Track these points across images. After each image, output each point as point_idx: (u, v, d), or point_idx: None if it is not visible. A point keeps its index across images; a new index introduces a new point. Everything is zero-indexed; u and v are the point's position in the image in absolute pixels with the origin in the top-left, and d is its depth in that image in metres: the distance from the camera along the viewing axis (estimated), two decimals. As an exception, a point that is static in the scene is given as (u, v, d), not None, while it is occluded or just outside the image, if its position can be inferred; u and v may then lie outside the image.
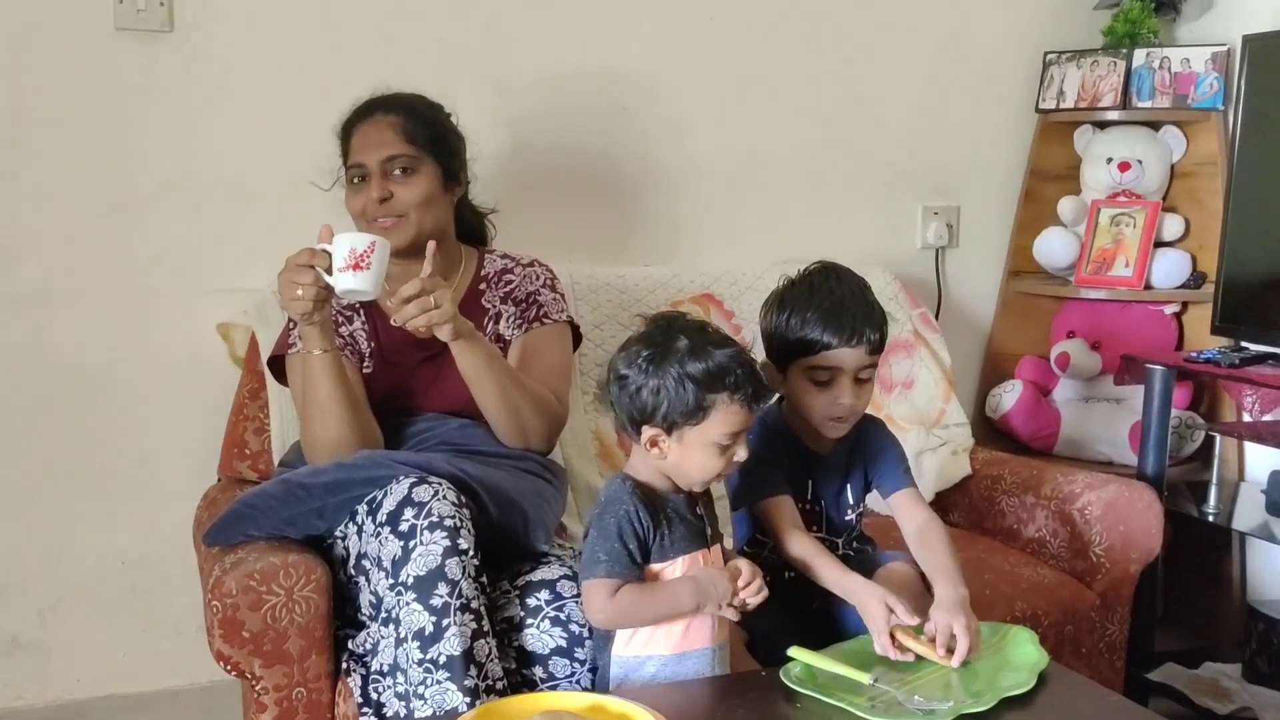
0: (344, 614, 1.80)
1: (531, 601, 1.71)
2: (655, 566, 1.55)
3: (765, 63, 2.73)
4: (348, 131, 2.03)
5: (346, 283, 1.72)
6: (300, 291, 1.73)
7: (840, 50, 2.78)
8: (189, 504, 2.18)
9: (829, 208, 2.82)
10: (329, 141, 2.38)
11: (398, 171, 1.97)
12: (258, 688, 1.72)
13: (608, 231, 2.62)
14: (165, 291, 2.34)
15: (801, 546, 1.71)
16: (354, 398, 1.87)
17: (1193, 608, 2.81)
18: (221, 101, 2.34)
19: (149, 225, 2.32)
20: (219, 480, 2.23)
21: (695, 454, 1.54)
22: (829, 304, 1.74)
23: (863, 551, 1.90)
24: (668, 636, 1.56)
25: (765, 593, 1.56)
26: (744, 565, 1.57)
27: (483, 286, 2.08)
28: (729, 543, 1.82)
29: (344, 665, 1.75)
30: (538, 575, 1.74)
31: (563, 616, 1.67)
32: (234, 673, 1.72)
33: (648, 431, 1.55)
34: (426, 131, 2.01)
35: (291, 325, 1.97)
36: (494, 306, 2.06)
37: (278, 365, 2.03)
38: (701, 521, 1.59)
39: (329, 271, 1.73)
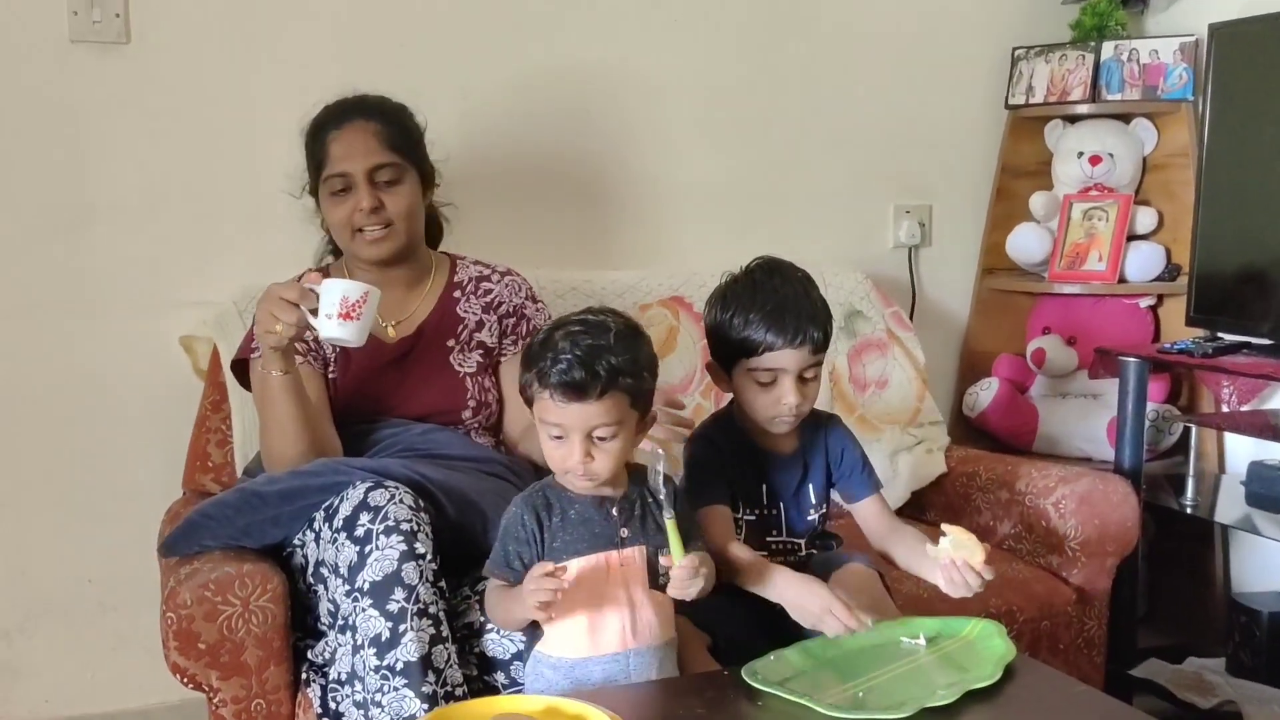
0: (304, 624, 1.78)
1: (492, 606, 1.69)
2: (569, 563, 1.52)
3: (733, 64, 2.72)
4: (321, 138, 1.97)
5: (333, 331, 1.71)
6: (280, 328, 1.71)
7: (808, 50, 2.77)
8: (154, 519, 2.14)
9: (800, 208, 2.80)
10: (290, 151, 2.35)
11: (384, 181, 1.94)
12: (215, 700, 1.70)
13: (575, 235, 2.60)
14: (126, 305, 2.32)
15: (725, 559, 1.66)
16: (311, 414, 1.85)
17: (1176, 603, 2.78)
18: (179, 113, 2.32)
19: (108, 238, 2.30)
20: (183, 494, 2.20)
21: (541, 436, 1.55)
22: (772, 304, 1.71)
23: (829, 547, 1.87)
24: (570, 640, 1.53)
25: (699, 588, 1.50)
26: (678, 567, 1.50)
27: (457, 294, 2.07)
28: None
29: (303, 676, 1.73)
30: (497, 584, 1.72)
31: (503, 623, 1.64)
32: (191, 685, 1.69)
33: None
34: (405, 138, 1.99)
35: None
36: (472, 315, 2.05)
37: (240, 368, 2.01)
38: (610, 523, 1.54)
39: (314, 313, 1.71)
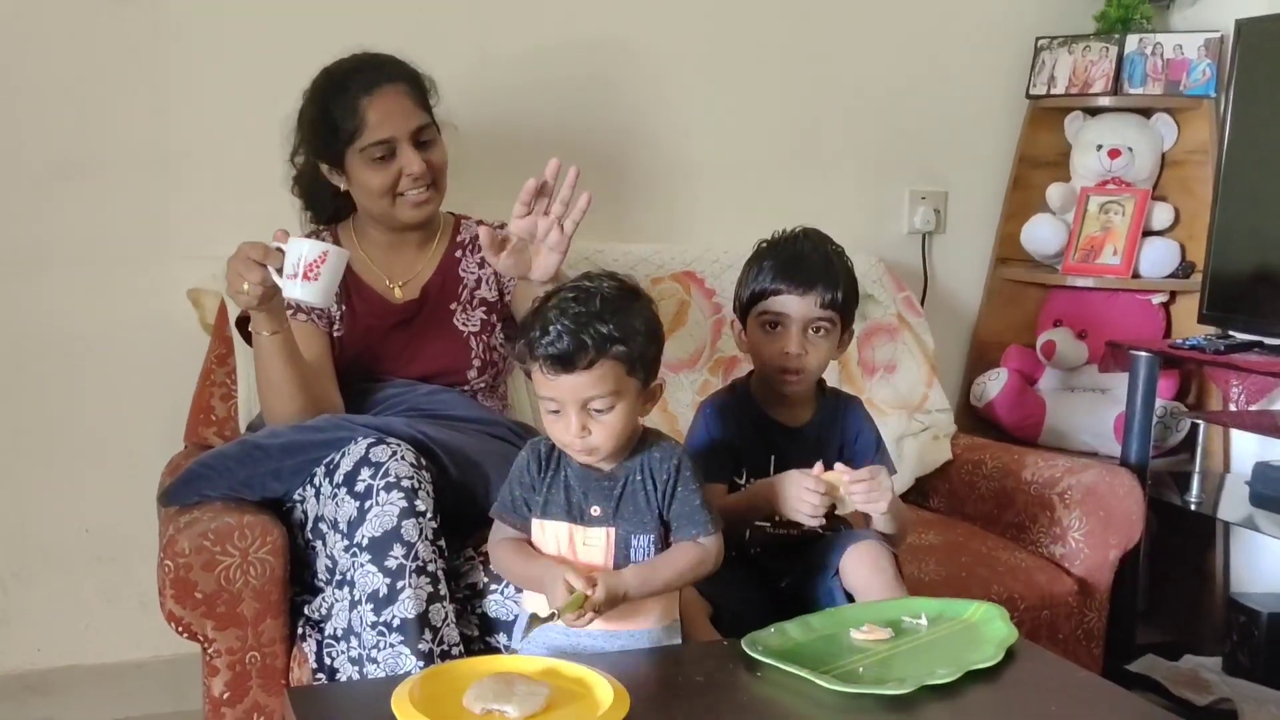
0: (301, 580, 1.77)
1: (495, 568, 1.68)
2: (534, 521, 1.53)
3: (754, 44, 2.69)
4: (351, 103, 1.90)
5: (295, 292, 1.69)
6: (246, 287, 1.69)
7: (830, 32, 2.75)
8: (154, 471, 2.13)
9: (815, 189, 2.78)
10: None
11: (425, 141, 1.93)
12: (210, 651, 1.69)
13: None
14: (134, 258, 2.31)
15: (733, 506, 1.70)
16: (306, 374, 1.83)
17: (1175, 600, 2.78)
18: (192, 64, 2.31)
19: (118, 190, 2.29)
20: (185, 447, 2.19)
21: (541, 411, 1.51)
22: (788, 255, 1.76)
23: (834, 529, 1.86)
24: (540, 600, 1.50)
25: (585, 620, 1.42)
26: (579, 578, 1.42)
27: (458, 254, 2.06)
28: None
29: (299, 630, 1.72)
30: (500, 541, 1.71)
31: (507, 578, 1.63)
32: (186, 635, 1.68)
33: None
34: (425, 95, 1.98)
35: None
36: (471, 274, 2.04)
37: (245, 325, 1.99)
38: (585, 498, 1.50)
39: (279, 272, 1.69)
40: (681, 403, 2.39)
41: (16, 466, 2.30)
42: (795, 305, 1.74)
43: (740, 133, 2.71)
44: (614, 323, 1.44)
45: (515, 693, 1.28)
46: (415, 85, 1.96)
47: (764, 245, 1.81)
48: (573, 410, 1.45)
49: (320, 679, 1.64)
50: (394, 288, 2.00)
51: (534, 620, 1.38)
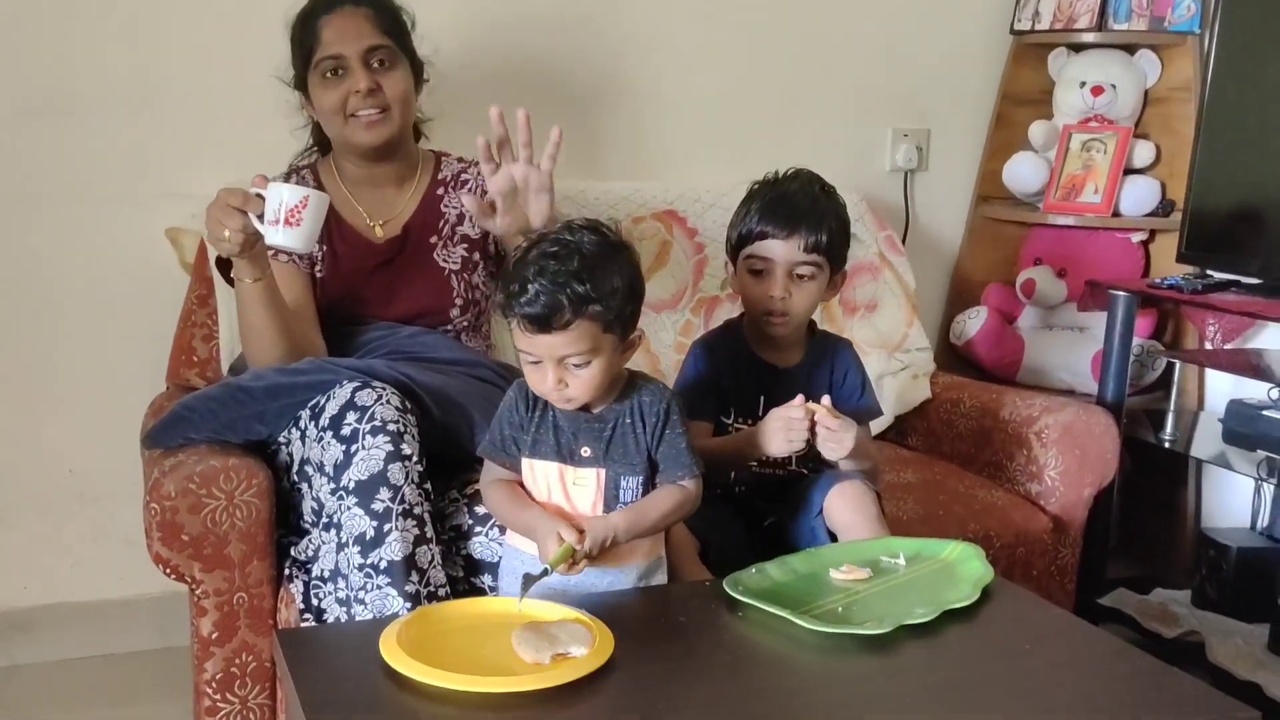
0: (287, 522, 1.78)
1: (480, 509, 1.69)
2: (523, 460, 1.54)
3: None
4: (311, 25, 1.93)
5: (277, 238, 1.67)
6: (227, 234, 1.68)
7: (813, -35, 2.72)
8: (137, 412, 2.13)
9: (797, 127, 2.77)
10: (283, 41, 2.30)
11: (377, 63, 1.92)
12: (198, 591, 1.70)
13: (571, 144, 2.49)
14: (111, 196, 2.29)
15: (719, 449, 1.73)
16: (288, 319, 1.83)
17: (1147, 535, 2.83)
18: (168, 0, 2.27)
19: (94, 128, 2.26)
20: (167, 388, 2.19)
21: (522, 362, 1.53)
22: (775, 196, 1.77)
23: (818, 469, 1.88)
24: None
25: (577, 570, 1.44)
26: (571, 531, 1.44)
27: (440, 191, 2.05)
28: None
29: (286, 572, 1.73)
30: (485, 483, 1.72)
31: (498, 521, 1.64)
32: (174, 576, 1.70)
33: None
34: (396, 25, 1.97)
35: None
36: (453, 210, 2.04)
37: (225, 265, 1.99)
38: (575, 439, 1.52)
39: (260, 218, 1.67)
40: (663, 343, 2.40)
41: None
42: (779, 249, 1.74)
43: (723, 71, 2.69)
44: (591, 283, 1.44)
45: (559, 635, 1.31)
46: (380, 10, 1.95)
47: (755, 187, 1.81)
48: (550, 365, 1.46)
49: (308, 619, 1.66)
50: (375, 226, 1.99)
51: (528, 579, 1.39)
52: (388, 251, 1.98)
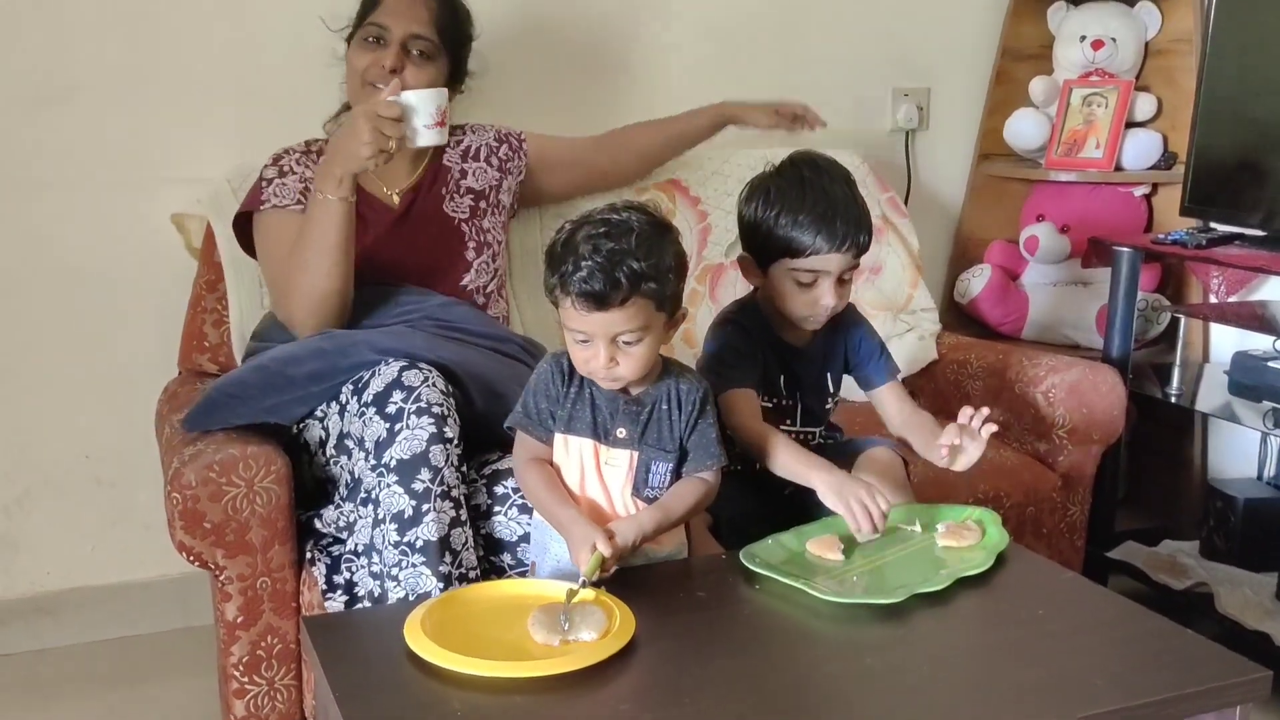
0: (307, 498, 1.81)
1: (499, 489, 1.72)
2: (556, 435, 1.55)
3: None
4: None
5: (431, 138, 1.82)
6: (392, 144, 1.76)
7: (810, -76, 2.70)
8: (150, 397, 2.15)
9: (798, 89, 2.72)
10: (290, 23, 2.30)
11: (416, 52, 1.97)
12: (221, 578, 1.73)
13: (572, 112, 2.55)
14: (116, 182, 2.29)
15: (762, 439, 1.67)
16: (351, 250, 1.86)
17: (1154, 487, 2.85)
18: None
19: (96, 113, 2.26)
20: (179, 373, 2.20)
21: (568, 340, 1.52)
22: (823, 206, 1.69)
23: (833, 438, 1.90)
24: None
25: (608, 575, 1.46)
26: (605, 542, 1.44)
27: (444, 152, 2.11)
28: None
29: (308, 555, 1.76)
30: (505, 463, 1.74)
31: (530, 504, 1.66)
32: (197, 563, 1.72)
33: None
34: (454, 29, 2.04)
35: (266, 182, 1.95)
36: (456, 166, 2.10)
37: (239, 225, 2.02)
38: (612, 419, 1.53)
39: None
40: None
41: (14, 394, 2.31)
42: (834, 262, 1.70)
43: (721, 35, 2.68)
44: (647, 260, 1.45)
45: (575, 617, 1.33)
46: (446, 10, 2.02)
47: (780, 181, 1.74)
48: (602, 343, 1.47)
49: (331, 598, 1.69)
50: (392, 195, 2.04)
51: (570, 595, 1.40)
52: (402, 208, 2.04)
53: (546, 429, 1.55)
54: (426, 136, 1.81)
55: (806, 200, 1.70)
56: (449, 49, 2.03)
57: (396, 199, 2.04)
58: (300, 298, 1.85)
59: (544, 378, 1.56)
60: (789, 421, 1.83)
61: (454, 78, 2.06)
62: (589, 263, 1.43)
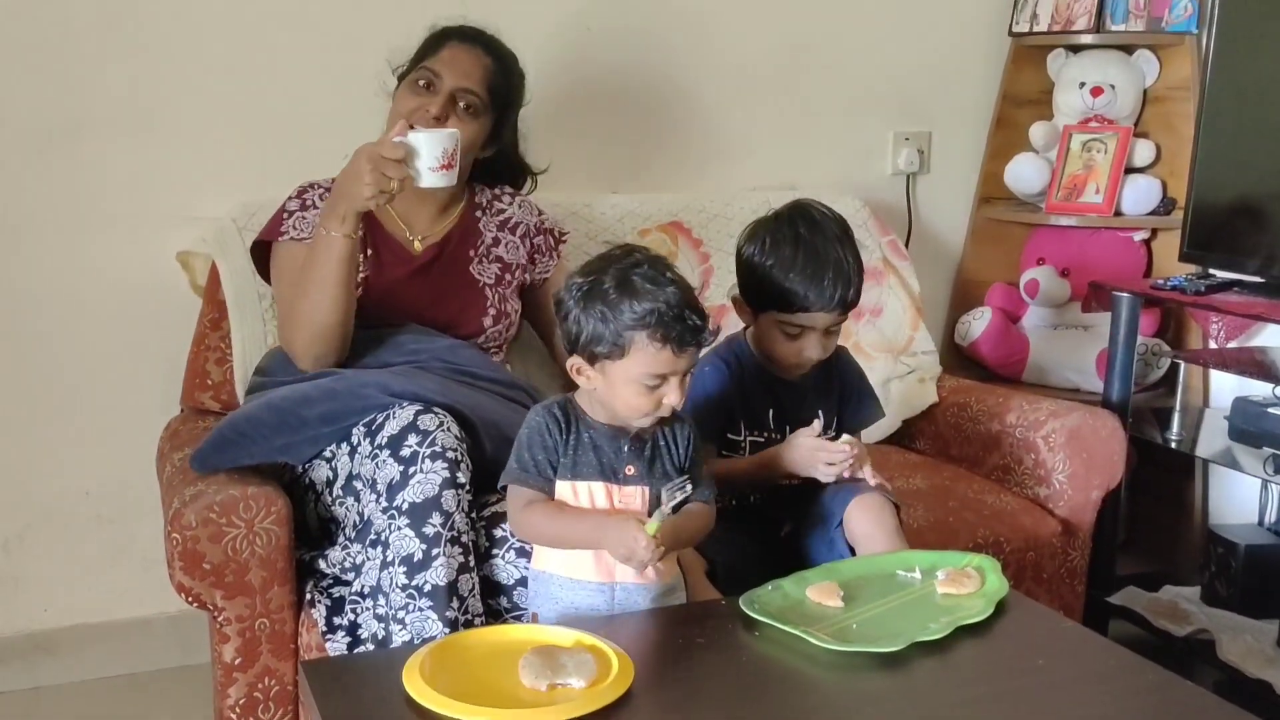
0: (308, 538, 1.81)
1: (497, 533, 1.72)
2: (561, 483, 1.55)
3: (735, -15, 2.68)
4: (441, 40, 2.03)
5: (436, 181, 1.79)
6: (393, 185, 1.75)
7: (812, -30, 2.73)
8: (152, 434, 2.16)
9: (799, 133, 2.78)
10: (297, 63, 2.32)
11: (463, 104, 1.99)
12: (220, 619, 1.73)
13: (574, 158, 2.57)
14: (122, 220, 2.31)
15: (721, 471, 1.74)
16: (353, 287, 1.87)
17: (1155, 532, 2.85)
18: (180, 18, 2.28)
19: (103, 152, 2.27)
20: (182, 411, 2.21)
21: (619, 390, 1.51)
22: (815, 265, 1.73)
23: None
24: (563, 559, 1.55)
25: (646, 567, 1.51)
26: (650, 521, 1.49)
27: (478, 213, 2.11)
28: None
29: (308, 596, 1.76)
30: (503, 506, 1.73)
31: (527, 548, 1.66)
32: (195, 604, 1.72)
33: (572, 360, 1.54)
34: (505, 91, 2.05)
35: (287, 214, 1.97)
36: (489, 232, 2.10)
37: (258, 251, 2.04)
38: (619, 458, 1.54)
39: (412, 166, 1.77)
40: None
41: (16, 431, 2.32)
42: (821, 319, 1.75)
43: (723, 79, 2.70)
44: (694, 290, 1.52)
45: (565, 664, 1.32)
46: (501, 68, 2.04)
47: (778, 231, 1.77)
48: (678, 379, 1.51)
49: (331, 639, 1.68)
50: (414, 241, 2.04)
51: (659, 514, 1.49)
52: (426, 258, 2.03)
53: (547, 479, 1.55)
54: (430, 179, 1.79)
55: (798, 259, 1.73)
56: (496, 108, 2.04)
57: (419, 245, 2.03)
58: (300, 328, 1.87)
59: (538, 429, 1.55)
60: None
61: (495, 136, 2.07)
62: (678, 304, 1.47)
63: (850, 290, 1.74)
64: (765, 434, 1.84)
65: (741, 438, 1.84)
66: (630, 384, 1.50)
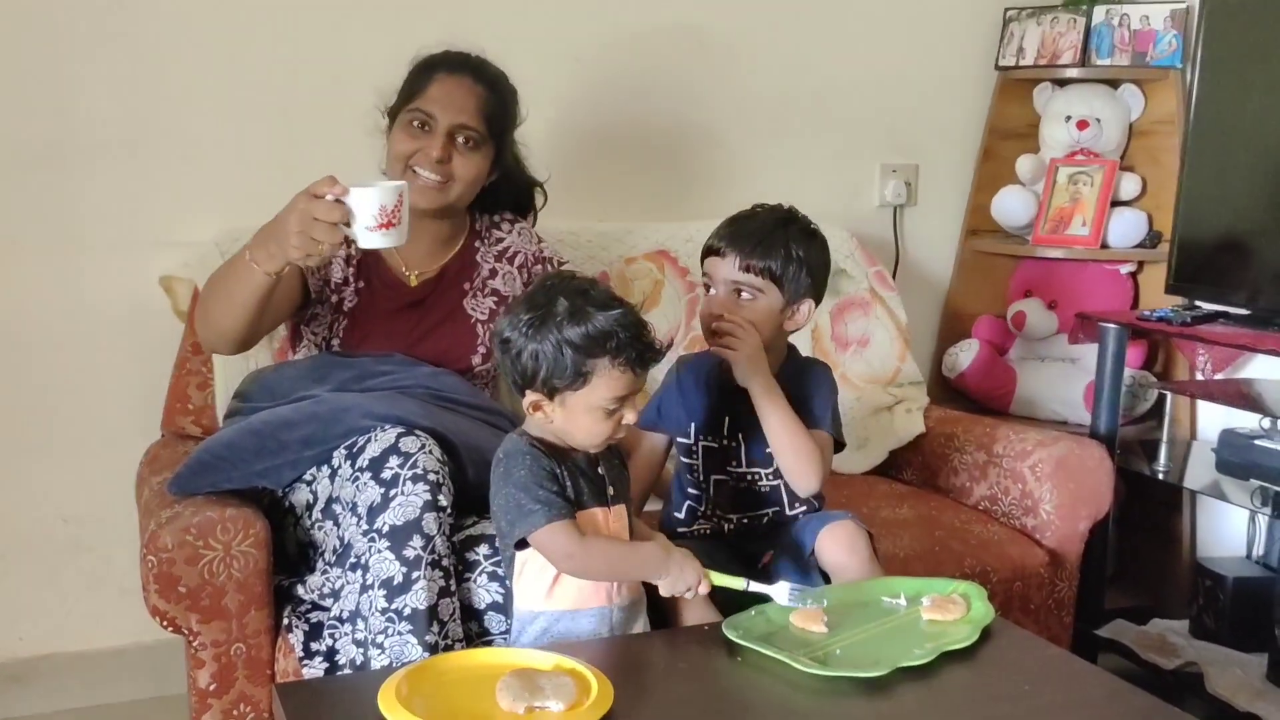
0: (285, 563, 1.78)
1: (471, 556, 1.69)
2: (584, 512, 1.52)
3: (723, 19, 2.69)
4: (428, 74, 1.96)
5: (375, 241, 1.62)
6: (325, 249, 1.62)
7: (799, 5, 2.74)
8: (131, 460, 2.13)
9: (787, 164, 2.79)
10: (280, 89, 2.32)
11: (462, 140, 1.94)
12: (195, 644, 1.70)
13: (560, 187, 2.56)
14: (105, 244, 2.30)
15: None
16: (263, 313, 1.80)
17: (1143, 565, 2.83)
18: (163, 43, 2.28)
19: (87, 176, 2.27)
20: (162, 435, 2.19)
21: (580, 419, 1.50)
22: (736, 220, 1.79)
23: (811, 505, 1.87)
24: (562, 591, 1.53)
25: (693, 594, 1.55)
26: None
27: (476, 244, 2.09)
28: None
29: (285, 621, 1.73)
30: (478, 530, 1.73)
31: (500, 572, 1.65)
32: (170, 629, 1.69)
33: (530, 396, 1.51)
34: (502, 116, 2.00)
35: None
36: (486, 264, 2.07)
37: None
38: (602, 481, 1.55)
39: (346, 224, 1.61)
40: (657, 381, 2.38)
41: (-8, 456, 2.30)
42: (718, 266, 1.77)
43: (710, 110, 2.71)
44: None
45: (544, 686, 1.30)
46: (494, 94, 1.98)
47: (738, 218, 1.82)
48: (633, 400, 1.52)
49: (309, 665, 1.66)
50: (410, 275, 2.01)
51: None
52: (420, 293, 2.00)
53: (572, 505, 1.50)
54: (369, 239, 1.61)
55: (732, 216, 1.79)
56: (495, 135, 1.99)
57: (414, 280, 2.01)
58: (206, 324, 1.84)
59: (535, 464, 1.50)
60: (735, 463, 1.83)
61: (497, 164, 2.03)
62: (634, 327, 1.49)
63: (757, 251, 1.73)
64: (719, 440, 1.83)
65: (691, 442, 1.84)
66: (591, 411, 1.49)
